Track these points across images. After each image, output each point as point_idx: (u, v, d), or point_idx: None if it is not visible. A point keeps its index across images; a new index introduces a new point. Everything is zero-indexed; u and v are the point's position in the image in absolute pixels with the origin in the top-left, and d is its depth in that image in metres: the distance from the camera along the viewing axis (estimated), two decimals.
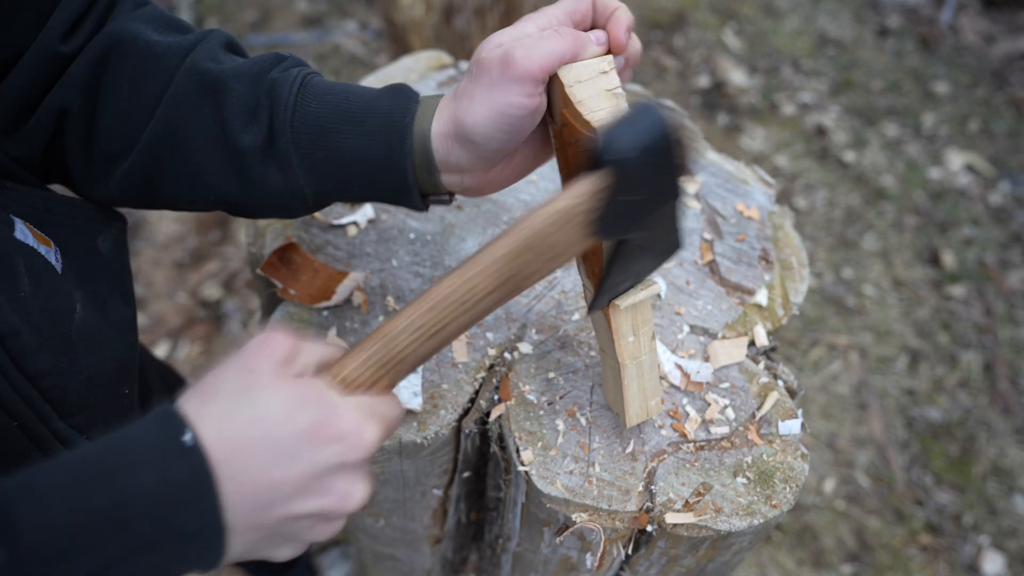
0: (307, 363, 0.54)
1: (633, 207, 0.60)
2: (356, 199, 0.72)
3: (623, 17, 0.65)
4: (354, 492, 0.53)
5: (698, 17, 3.21)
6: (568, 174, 0.67)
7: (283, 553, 0.54)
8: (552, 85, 0.64)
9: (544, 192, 1.02)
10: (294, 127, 0.66)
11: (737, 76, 2.99)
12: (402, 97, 0.67)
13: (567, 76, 0.62)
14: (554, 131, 0.67)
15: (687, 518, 0.77)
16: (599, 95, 0.62)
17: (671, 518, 0.77)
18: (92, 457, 0.47)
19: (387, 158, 0.66)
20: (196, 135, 0.68)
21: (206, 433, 0.48)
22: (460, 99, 0.65)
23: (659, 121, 0.57)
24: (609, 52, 0.65)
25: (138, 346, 0.79)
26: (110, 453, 0.47)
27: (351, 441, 0.52)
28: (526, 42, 0.62)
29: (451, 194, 0.71)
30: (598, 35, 0.65)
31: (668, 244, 0.68)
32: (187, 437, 0.47)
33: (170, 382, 1.10)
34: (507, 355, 0.88)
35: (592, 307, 0.71)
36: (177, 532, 0.47)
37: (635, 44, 0.67)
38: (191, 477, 0.47)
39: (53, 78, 0.68)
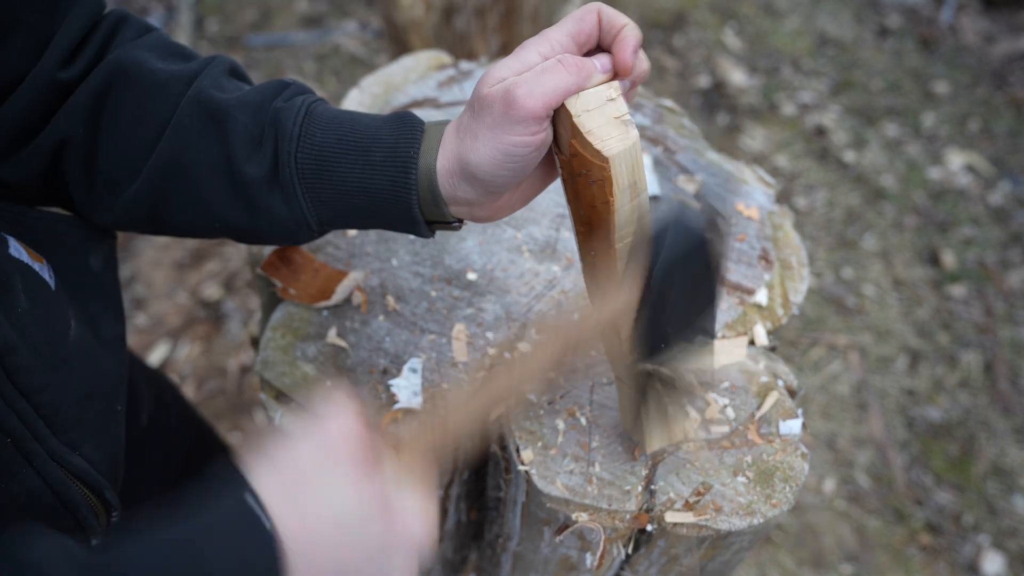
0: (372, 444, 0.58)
1: (669, 318, 0.64)
2: (361, 227, 0.72)
3: (630, 37, 0.62)
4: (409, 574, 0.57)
5: (698, 17, 3.21)
6: (578, 204, 0.66)
7: None
8: (558, 115, 0.62)
9: (544, 192, 1.02)
10: (299, 158, 0.65)
11: (737, 76, 2.99)
12: (407, 128, 0.66)
13: (574, 106, 0.60)
14: (561, 161, 0.65)
15: (687, 517, 0.77)
16: (608, 124, 0.61)
17: (671, 517, 0.77)
18: (177, 539, 0.49)
19: (392, 191, 0.65)
20: (200, 164, 0.67)
21: (290, 525, 0.50)
22: (463, 136, 0.63)
23: (694, 237, 0.61)
24: (615, 77, 0.63)
25: (127, 361, 0.79)
26: (194, 535, 0.49)
27: (418, 542, 0.56)
28: (528, 78, 0.59)
29: (460, 221, 0.70)
30: (603, 62, 0.62)
31: (705, 338, 0.71)
32: (268, 525, 0.50)
33: (160, 392, 1.10)
34: (507, 355, 0.88)
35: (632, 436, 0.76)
36: None
37: (642, 65, 0.64)
38: (269, 564, 0.49)
39: (52, 105, 0.67)
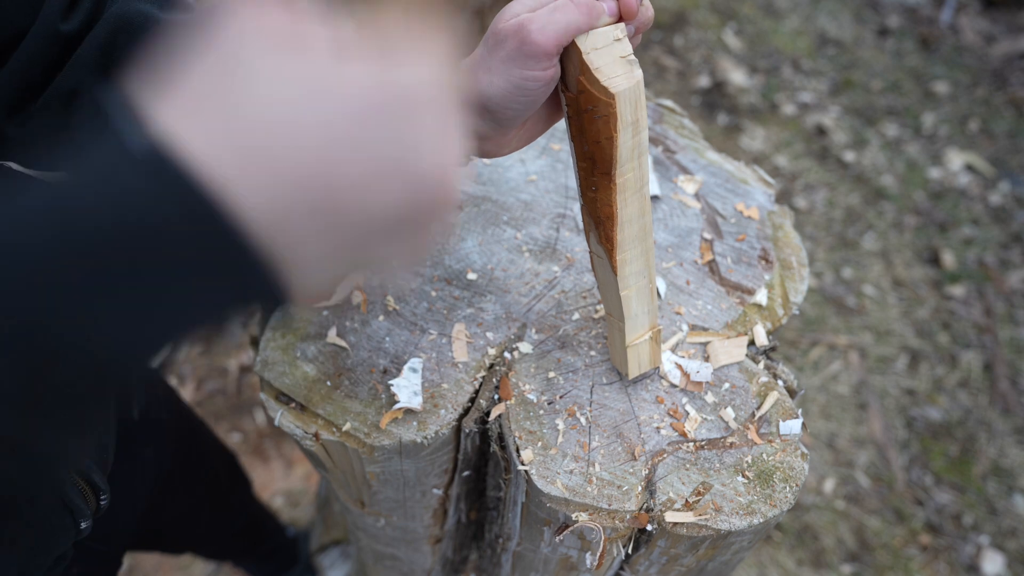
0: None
1: None
2: None
3: None
4: (449, 150, 0.39)
5: (698, 17, 3.21)
6: (582, 141, 0.69)
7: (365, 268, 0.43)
8: (567, 52, 0.65)
9: (544, 192, 1.02)
10: None
11: (737, 76, 2.99)
12: None
13: (584, 44, 0.63)
14: (568, 98, 0.68)
15: (687, 517, 0.77)
16: (614, 62, 0.64)
17: (671, 517, 0.77)
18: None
19: None
20: None
21: (207, 144, 0.35)
22: (477, 70, 0.67)
23: None
24: (620, 20, 0.66)
25: None
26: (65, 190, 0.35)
27: (438, 82, 0.39)
28: (541, 16, 0.63)
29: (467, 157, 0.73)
30: (610, 4, 0.65)
31: None
32: (139, 143, 0.34)
33: (152, 385, 1.10)
34: (507, 355, 0.88)
35: None
36: (174, 257, 0.35)
37: (645, 12, 0.67)
38: (151, 179, 0.34)
39: (57, 58, 0.69)
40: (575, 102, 0.67)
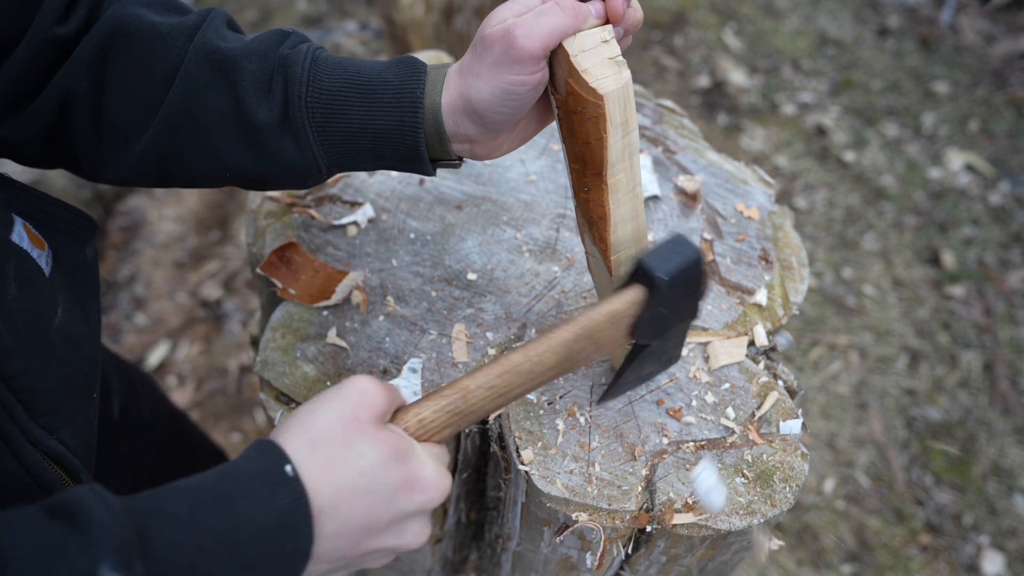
0: (391, 409, 0.62)
1: (662, 319, 0.70)
2: (368, 168, 0.75)
3: None
4: (423, 533, 0.61)
5: (698, 17, 3.21)
6: (572, 142, 0.69)
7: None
8: (555, 55, 0.65)
9: (543, 192, 1.02)
10: (309, 103, 0.68)
11: (737, 76, 2.99)
12: (410, 70, 0.69)
13: (571, 46, 0.64)
14: (557, 100, 0.68)
15: (687, 517, 0.77)
16: (602, 63, 0.64)
17: (671, 517, 0.77)
18: (208, 485, 0.54)
19: (399, 130, 0.69)
20: (211, 113, 0.69)
21: (317, 481, 0.55)
22: (466, 75, 0.67)
23: (693, 252, 0.68)
24: (607, 22, 0.66)
25: (100, 350, 0.80)
26: (223, 484, 0.54)
27: (433, 491, 0.60)
28: (527, 20, 0.63)
29: (460, 158, 0.74)
30: (597, 7, 0.65)
31: (671, 357, 0.81)
32: (288, 469, 0.54)
33: (132, 382, 1.09)
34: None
35: (603, 399, 0.82)
36: (275, 555, 0.53)
37: (633, 14, 0.67)
38: (292, 505, 0.53)
39: (52, 62, 0.69)
40: (565, 104, 0.66)
